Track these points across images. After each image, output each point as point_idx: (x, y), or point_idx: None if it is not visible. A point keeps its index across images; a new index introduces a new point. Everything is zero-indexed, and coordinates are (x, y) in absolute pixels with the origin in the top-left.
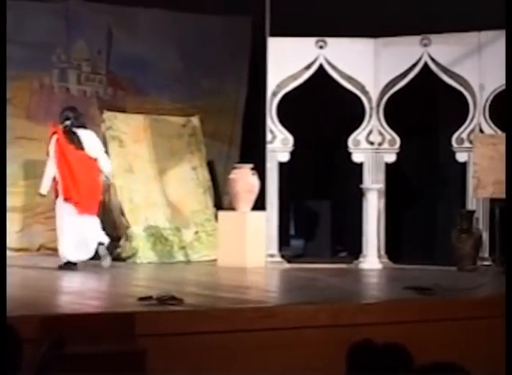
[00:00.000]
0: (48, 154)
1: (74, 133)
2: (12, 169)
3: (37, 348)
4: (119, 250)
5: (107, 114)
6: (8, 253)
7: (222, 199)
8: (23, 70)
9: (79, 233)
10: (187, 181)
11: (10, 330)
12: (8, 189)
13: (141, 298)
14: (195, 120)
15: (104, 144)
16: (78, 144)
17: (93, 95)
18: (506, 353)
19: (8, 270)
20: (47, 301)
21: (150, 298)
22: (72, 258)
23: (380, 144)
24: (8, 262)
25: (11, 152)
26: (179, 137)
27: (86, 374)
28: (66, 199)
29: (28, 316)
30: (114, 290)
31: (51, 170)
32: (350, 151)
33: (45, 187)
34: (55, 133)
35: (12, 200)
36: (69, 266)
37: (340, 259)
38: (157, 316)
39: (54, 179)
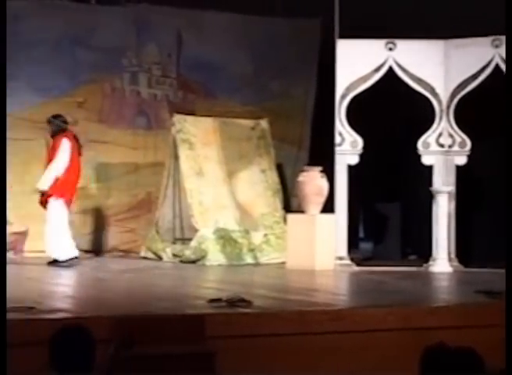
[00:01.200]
0: (52, 155)
1: (78, 139)
2: (84, 172)
3: (107, 349)
4: (188, 252)
5: (177, 117)
6: (80, 254)
7: (290, 202)
8: (94, 74)
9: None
10: (256, 184)
11: (82, 330)
12: (80, 191)
13: (211, 300)
14: (264, 123)
15: (175, 146)
16: (79, 148)
17: (163, 98)
18: (506, 354)
19: (80, 271)
20: (117, 302)
21: (219, 300)
22: (75, 254)
23: (450, 147)
24: (80, 263)
25: (83, 155)
26: (248, 140)
27: None
28: (67, 200)
29: (99, 317)
30: (184, 291)
31: (59, 171)
32: (420, 153)
33: (48, 184)
34: (65, 136)
35: (84, 202)
36: (72, 260)
37: (410, 262)
38: (226, 318)
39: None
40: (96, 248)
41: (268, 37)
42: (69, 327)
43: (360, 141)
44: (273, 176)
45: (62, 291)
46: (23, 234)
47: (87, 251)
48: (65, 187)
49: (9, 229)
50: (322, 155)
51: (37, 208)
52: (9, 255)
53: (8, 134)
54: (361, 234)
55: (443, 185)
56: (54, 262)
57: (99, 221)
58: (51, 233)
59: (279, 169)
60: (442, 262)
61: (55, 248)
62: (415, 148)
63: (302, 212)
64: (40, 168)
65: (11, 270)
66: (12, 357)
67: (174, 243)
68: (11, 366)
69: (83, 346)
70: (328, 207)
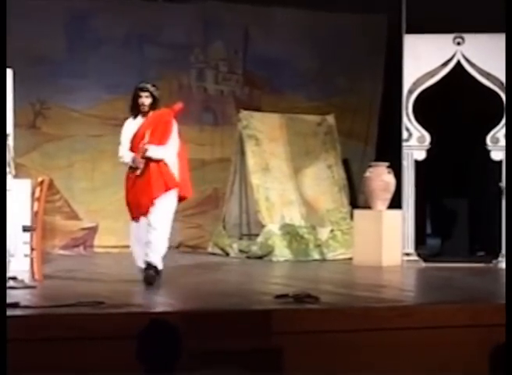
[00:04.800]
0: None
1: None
2: None
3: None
4: (255, 247)
5: (243, 113)
6: None
7: (357, 197)
8: (162, 71)
9: None
10: (323, 179)
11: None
12: None
13: (278, 296)
14: (330, 119)
15: (241, 142)
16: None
17: (230, 94)
18: (506, 356)
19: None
20: (186, 297)
21: (286, 295)
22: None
23: None
24: None
25: None
26: (314, 136)
27: (222, 371)
28: (184, 197)
29: (169, 313)
30: (250, 287)
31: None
32: (489, 148)
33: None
34: (175, 117)
35: None
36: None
37: (478, 258)
38: (293, 313)
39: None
40: None
41: (334, 32)
42: (157, 322)
43: (427, 137)
44: (339, 172)
45: (132, 286)
46: (93, 230)
47: None
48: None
49: (79, 225)
50: (389, 151)
51: (107, 204)
52: (79, 250)
53: (78, 131)
54: (429, 230)
55: None
56: (156, 274)
57: None
58: (164, 238)
59: (346, 164)
60: None
61: (162, 254)
62: (484, 144)
63: (369, 207)
64: (110, 164)
65: (81, 266)
66: (78, 350)
67: (241, 238)
68: (80, 359)
69: (171, 341)
70: (396, 203)
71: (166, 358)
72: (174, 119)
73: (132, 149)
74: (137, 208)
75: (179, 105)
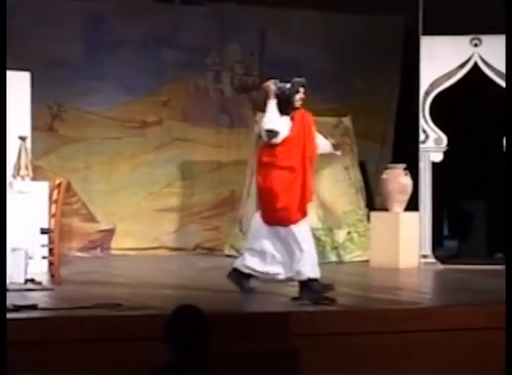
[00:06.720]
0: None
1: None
2: (169, 170)
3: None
4: None
5: (260, 115)
6: (165, 252)
7: (374, 199)
8: (178, 73)
9: None
10: (339, 181)
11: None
12: (165, 189)
13: (295, 298)
14: (347, 121)
15: (257, 145)
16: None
17: (246, 97)
18: (506, 357)
19: (166, 269)
20: (203, 300)
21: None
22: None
23: None
24: (166, 261)
25: (167, 154)
26: (330, 138)
27: (240, 372)
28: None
29: None
30: (267, 289)
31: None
32: (505, 150)
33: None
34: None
35: (169, 200)
36: None
37: (496, 260)
38: (310, 315)
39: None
40: (180, 246)
41: (350, 34)
42: (184, 308)
43: (444, 138)
44: (356, 174)
45: (149, 288)
46: (110, 232)
47: (172, 249)
48: None
49: (96, 227)
50: (406, 153)
51: (124, 207)
52: (96, 252)
53: (95, 133)
54: (446, 232)
55: None
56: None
57: (183, 219)
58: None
59: (362, 166)
60: None
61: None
62: (500, 145)
63: (385, 210)
64: (127, 166)
65: (98, 268)
66: (95, 352)
67: None
68: (97, 360)
69: (198, 326)
70: (412, 205)
71: (193, 339)
72: None
73: (291, 151)
74: (282, 215)
75: None
